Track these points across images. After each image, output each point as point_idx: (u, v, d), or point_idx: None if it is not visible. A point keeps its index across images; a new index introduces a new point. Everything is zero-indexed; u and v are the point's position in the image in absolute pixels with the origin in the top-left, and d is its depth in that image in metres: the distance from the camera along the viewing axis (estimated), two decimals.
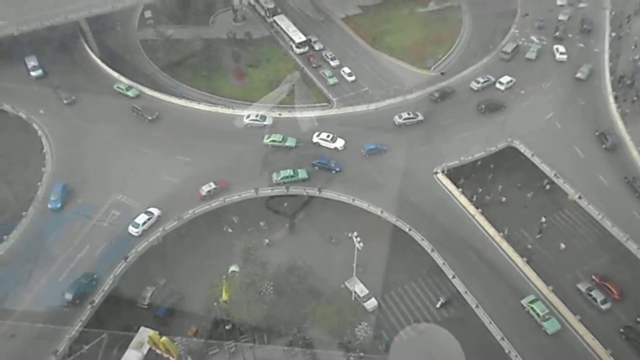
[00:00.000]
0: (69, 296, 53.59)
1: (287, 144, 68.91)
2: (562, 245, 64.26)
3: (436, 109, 75.07)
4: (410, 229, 60.79)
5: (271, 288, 54.70)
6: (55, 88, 75.78)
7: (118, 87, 76.74)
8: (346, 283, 60.82)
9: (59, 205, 61.01)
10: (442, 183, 65.20)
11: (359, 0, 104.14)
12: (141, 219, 60.19)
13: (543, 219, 66.72)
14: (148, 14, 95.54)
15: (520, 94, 76.76)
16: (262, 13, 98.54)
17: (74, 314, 52.87)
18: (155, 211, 61.24)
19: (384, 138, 70.04)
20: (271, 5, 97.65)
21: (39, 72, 78.32)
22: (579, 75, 78.81)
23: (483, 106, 74.02)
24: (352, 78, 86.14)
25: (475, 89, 77.65)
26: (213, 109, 75.37)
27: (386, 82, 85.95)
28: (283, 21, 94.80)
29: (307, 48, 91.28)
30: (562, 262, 62.52)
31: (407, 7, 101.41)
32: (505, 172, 71.49)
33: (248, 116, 72.46)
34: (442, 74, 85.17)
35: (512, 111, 74.10)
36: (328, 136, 69.47)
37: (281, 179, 64.39)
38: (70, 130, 70.90)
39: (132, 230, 59.51)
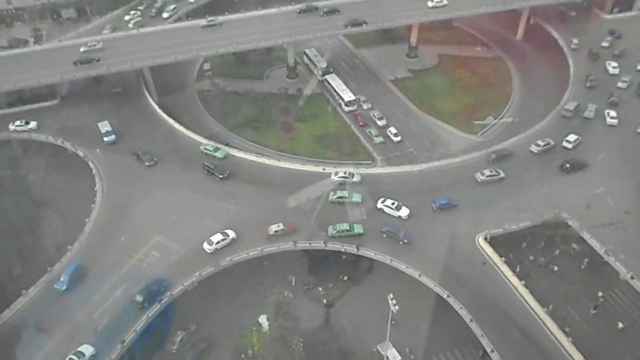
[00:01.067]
0: (139, 298, 56.40)
1: (353, 199, 69.00)
2: (620, 325, 59.68)
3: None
4: (448, 296, 58.81)
5: (301, 344, 53.44)
6: (136, 151, 75.43)
7: (205, 149, 76.48)
8: (378, 347, 58.66)
9: (64, 287, 57.81)
10: (483, 250, 63.34)
11: (410, 64, 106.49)
12: (216, 237, 61.91)
13: (600, 294, 62.68)
14: (207, 66, 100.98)
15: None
16: (315, 71, 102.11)
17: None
18: (231, 233, 62.67)
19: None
20: (324, 65, 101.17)
21: (112, 137, 77.28)
22: (639, 130, 78.64)
23: (568, 165, 73.02)
24: (398, 138, 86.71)
25: (535, 151, 76.77)
26: (284, 164, 75.80)
27: (432, 144, 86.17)
28: (334, 80, 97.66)
29: (355, 106, 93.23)
30: (612, 345, 58.14)
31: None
32: (560, 239, 68.16)
33: (336, 173, 72.83)
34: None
35: (565, 179, 72.40)
36: (393, 203, 67.92)
37: (336, 232, 64.12)
38: (129, 181, 72.25)
39: (206, 247, 61.72)
